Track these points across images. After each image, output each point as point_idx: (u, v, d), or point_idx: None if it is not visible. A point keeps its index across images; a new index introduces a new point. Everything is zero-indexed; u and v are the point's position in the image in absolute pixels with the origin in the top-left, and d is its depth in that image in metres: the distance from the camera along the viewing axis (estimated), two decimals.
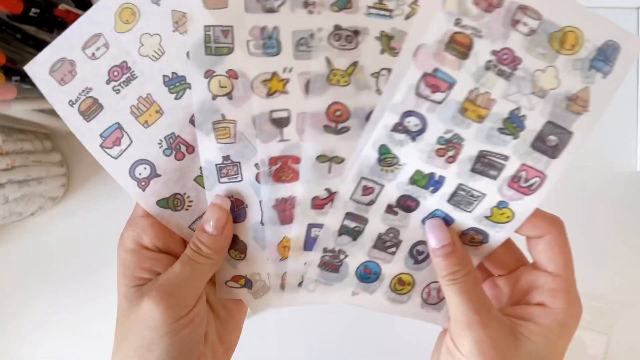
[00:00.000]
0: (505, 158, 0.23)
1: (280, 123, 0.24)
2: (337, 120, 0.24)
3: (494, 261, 0.28)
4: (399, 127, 0.23)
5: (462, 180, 0.24)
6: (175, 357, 0.24)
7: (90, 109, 0.24)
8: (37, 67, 0.24)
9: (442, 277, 0.25)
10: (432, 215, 0.26)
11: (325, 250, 0.26)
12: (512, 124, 0.23)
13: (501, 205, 0.25)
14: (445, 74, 0.22)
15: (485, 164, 0.24)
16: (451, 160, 0.24)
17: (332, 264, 0.26)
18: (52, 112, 0.49)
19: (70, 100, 0.24)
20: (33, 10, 0.39)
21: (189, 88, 0.23)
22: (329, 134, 0.24)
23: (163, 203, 0.26)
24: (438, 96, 0.22)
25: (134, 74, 0.23)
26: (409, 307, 0.28)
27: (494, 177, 0.24)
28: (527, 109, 0.22)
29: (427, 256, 0.27)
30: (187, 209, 0.26)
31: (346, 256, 0.26)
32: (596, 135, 0.58)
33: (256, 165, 0.25)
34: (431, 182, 0.24)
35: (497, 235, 0.26)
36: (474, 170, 0.24)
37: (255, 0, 0.22)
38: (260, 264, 0.28)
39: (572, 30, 0.21)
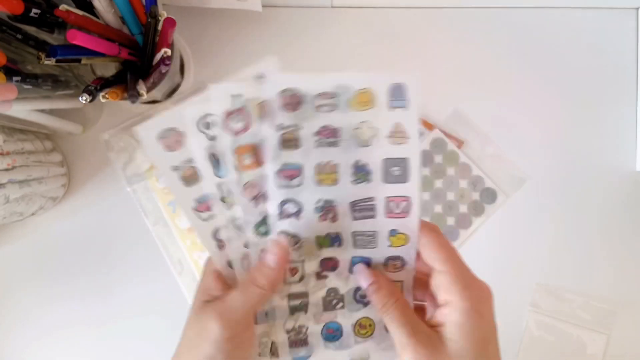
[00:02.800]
0: (371, 199, 0.28)
1: None
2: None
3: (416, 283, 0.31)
4: (283, 216, 0.28)
5: (353, 229, 0.29)
6: None
7: (192, 177, 0.28)
8: (147, 131, 0.28)
9: (378, 310, 0.28)
10: (352, 263, 0.30)
11: (287, 331, 0.29)
12: (361, 173, 0.28)
13: (393, 233, 0.29)
14: (291, 164, 0.27)
15: (360, 210, 0.28)
16: (334, 219, 0.28)
17: (298, 341, 0.29)
18: (52, 112, 0.50)
19: (175, 166, 0.28)
20: (34, 10, 0.39)
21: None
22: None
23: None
24: (296, 181, 0.27)
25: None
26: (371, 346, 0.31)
27: (373, 217, 0.29)
28: (364, 158, 0.28)
29: None
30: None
31: (307, 328, 0.30)
32: (596, 136, 0.58)
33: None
34: (332, 240, 0.29)
35: (408, 254, 0.29)
36: (355, 218, 0.29)
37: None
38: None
39: (362, 91, 0.27)
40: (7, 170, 0.44)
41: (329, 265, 0.29)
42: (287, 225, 0.28)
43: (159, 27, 0.42)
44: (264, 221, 0.28)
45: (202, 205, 0.28)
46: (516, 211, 0.57)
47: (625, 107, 0.58)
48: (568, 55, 0.58)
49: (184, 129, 0.28)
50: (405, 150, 0.28)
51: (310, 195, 0.28)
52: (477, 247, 0.57)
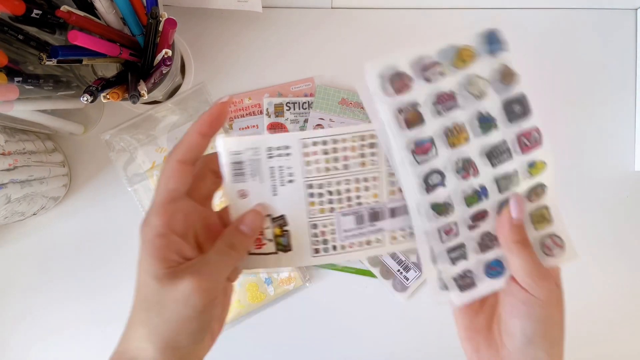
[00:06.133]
0: (504, 142, 0.30)
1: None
2: None
3: None
4: (428, 189, 0.30)
5: (495, 175, 0.31)
6: (204, 329, 0.28)
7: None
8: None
9: (510, 242, 0.30)
10: (501, 204, 0.31)
11: (455, 279, 0.32)
12: (486, 123, 0.30)
13: (531, 165, 0.31)
14: (421, 139, 0.29)
15: (497, 156, 0.30)
16: (475, 173, 0.30)
17: (465, 285, 0.32)
18: (53, 113, 0.50)
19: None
20: (35, 11, 0.40)
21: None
22: None
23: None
24: (432, 152, 0.30)
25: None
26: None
27: (511, 157, 0.30)
28: (484, 108, 0.30)
29: None
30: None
31: (472, 273, 0.32)
32: (595, 137, 0.58)
33: None
34: (479, 195, 0.31)
35: (547, 178, 0.32)
36: (493, 165, 0.30)
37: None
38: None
39: (463, 48, 0.29)
40: (8, 170, 0.44)
41: (480, 217, 0.31)
42: (435, 197, 0.30)
43: (160, 28, 0.42)
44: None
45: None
46: None
47: (623, 107, 0.58)
48: (567, 55, 0.58)
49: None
50: (519, 85, 0.30)
51: (448, 160, 0.30)
52: None
